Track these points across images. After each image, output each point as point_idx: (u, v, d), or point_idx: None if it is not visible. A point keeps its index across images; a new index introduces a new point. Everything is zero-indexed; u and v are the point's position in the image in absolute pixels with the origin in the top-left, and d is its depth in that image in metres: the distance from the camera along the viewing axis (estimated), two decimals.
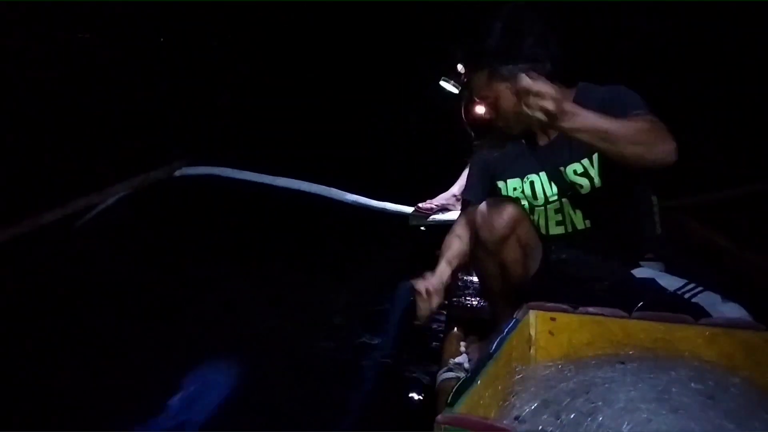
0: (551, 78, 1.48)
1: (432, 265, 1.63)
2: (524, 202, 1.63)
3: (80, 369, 1.90)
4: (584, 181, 1.54)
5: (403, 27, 4.59)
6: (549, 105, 1.21)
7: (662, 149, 1.30)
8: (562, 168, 1.56)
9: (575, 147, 1.52)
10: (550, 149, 1.59)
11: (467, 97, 1.59)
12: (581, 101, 1.48)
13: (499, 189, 1.69)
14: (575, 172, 1.55)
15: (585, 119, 1.26)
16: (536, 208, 1.63)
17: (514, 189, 1.65)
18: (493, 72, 1.51)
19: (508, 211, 1.53)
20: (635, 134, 1.29)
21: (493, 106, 1.56)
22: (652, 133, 1.31)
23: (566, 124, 1.25)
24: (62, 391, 1.78)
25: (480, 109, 1.59)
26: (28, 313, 2.28)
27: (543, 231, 1.62)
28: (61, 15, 3.91)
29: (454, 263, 1.67)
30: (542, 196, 1.61)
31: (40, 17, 3.76)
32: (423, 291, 1.55)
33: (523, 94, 1.24)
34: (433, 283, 1.56)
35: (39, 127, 3.66)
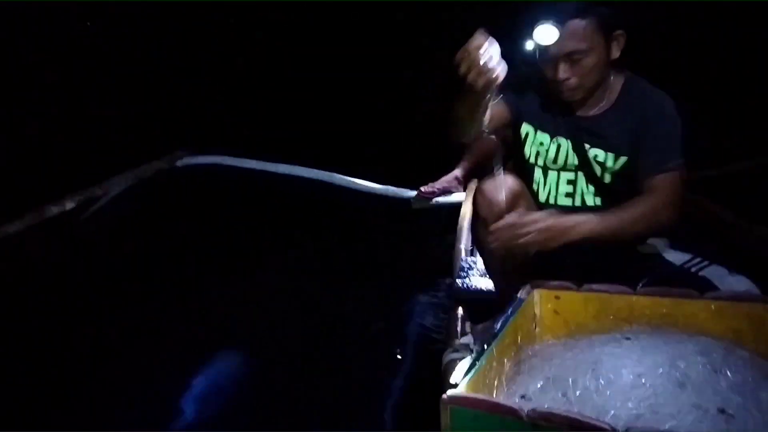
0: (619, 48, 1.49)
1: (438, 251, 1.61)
2: (541, 161, 1.62)
3: (85, 363, 1.91)
4: (599, 170, 1.54)
5: (407, 10, 4.55)
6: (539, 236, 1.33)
7: (662, 224, 1.42)
8: (587, 145, 1.55)
9: (608, 136, 1.52)
10: (585, 122, 1.56)
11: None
12: (627, 97, 1.53)
13: (526, 134, 1.64)
14: (596, 157, 1.54)
15: (583, 232, 1.36)
16: (550, 171, 1.61)
17: (541, 144, 1.61)
18: (598, 21, 1.44)
19: (509, 187, 1.51)
20: (638, 224, 1.40)
21: (578, 62, 1.46)
22: (655, 216, 1.40)
23: (567, 239, 1.35)
24: (65, 386, 1.78)
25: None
26: (33, 306, 2.29)
27: (551, 200, 1.61)
28: (64, 7, 3.89)
29: None
30: (563, 161, 1.59)
31: (44, 11, 3.74)
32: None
33: (515, 227, 1.34)
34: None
35: (42, 119, 3.65)
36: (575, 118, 1.58)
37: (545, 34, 1.41)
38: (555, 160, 1.60)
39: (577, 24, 1.43)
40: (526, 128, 1.64)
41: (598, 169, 1.55)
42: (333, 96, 4.52)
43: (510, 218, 1.37)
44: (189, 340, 2.05)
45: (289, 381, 1.84)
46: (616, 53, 1.48)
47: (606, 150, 1.53)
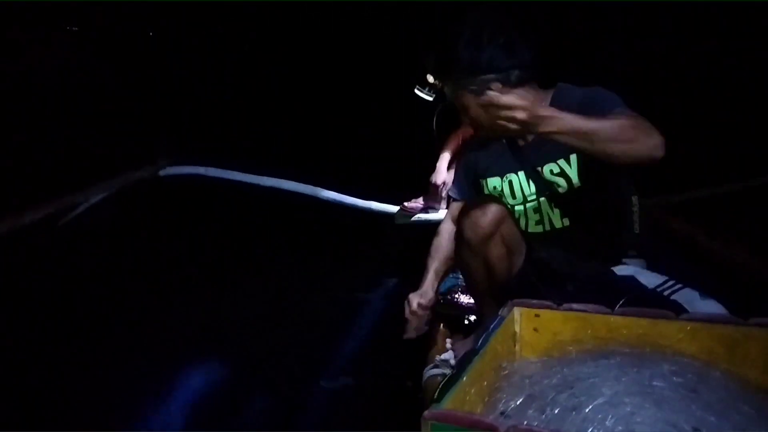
0: (523, 83, 1.49)
1: (417, 263, 1.65)
2: (503, 200, 1.65)
3: (62, 372, 1.88)
4: (561, 181, 1.55)
5: (388, 26, 4.59)
6: (520, 115, 1.22)
7: (648, 143, 1.28)
8: (539, 168, 1.58)
9: (552, 147, 1.50)
10: (528, 149, 1.61)
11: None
12: (558, 104, 1.49)
13: (481, 187, 1.71)
14: (552, 171, 1.56)
15: (563, 121, 1.26)
16: (515, 207, 1.65)
17: (494, 188, 1.67)
18: (456, 84, 1.49)
19: (492, 210, 1.53)
20: (618, 131, 1.28)
21: (466, 115, 1.54)
22: (635, 129, 1.29)
23: (544, 128, 1.25)
24: (41, 394, 1.75)
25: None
26: (8, 314, 2.24)
27: (523, 229, 1.64)
28: (43, 12, 3.85)
29: (442, 271, 1.72)
30: (520, 195, 1.63)
31: (20, 14, 3.70)
32: (416, 307, 1.62)
33: (492, 109, 1.24)
34: (425, 300, 1.64)
35: (21, 124, 3.60)
36: (518, 149, 1.62)
37: (422, 95, 1.50)
38: (513, 196, 1.64)
39: (444, 84, 1.53)
40: (481, 183, 1.71)
41: (562, 182, 1.56)
42: (319, 111, 4.54)
43: (490, 96, 1.28)
44: (169, 348, 2.03)
45: (268, 387, 1.84)
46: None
47: (556, 159, 1.54)
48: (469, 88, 1.48)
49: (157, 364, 1.91)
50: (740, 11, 3.13)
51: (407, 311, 1.68)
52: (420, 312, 1.67)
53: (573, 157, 1.53)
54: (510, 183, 1.64)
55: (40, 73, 3.82)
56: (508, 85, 1.46)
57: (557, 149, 1.52)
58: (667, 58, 3.63)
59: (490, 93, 1.27)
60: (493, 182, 1.67)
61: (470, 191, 1.73)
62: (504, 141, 1.65)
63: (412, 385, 1.63)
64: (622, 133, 1.28)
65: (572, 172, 1.54)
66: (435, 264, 1.71)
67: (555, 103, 1.53)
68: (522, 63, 1.48)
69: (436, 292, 1.74)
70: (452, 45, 1.46)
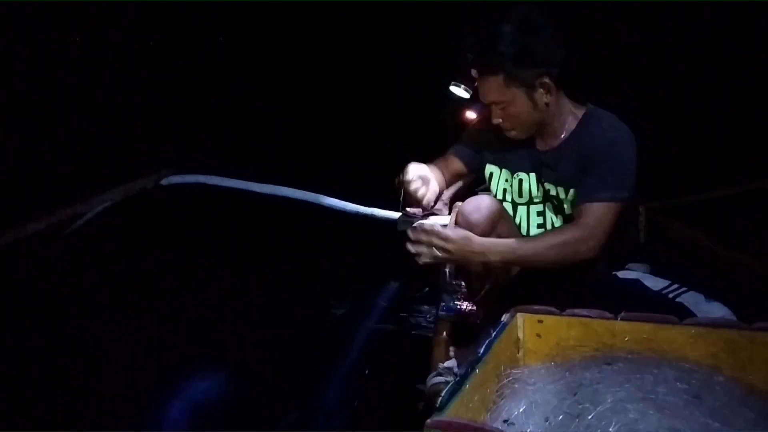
0: (560, 85, 1.51)
1: (418, 268, 1.64)
2: (509, 197, 1.65)
3: (65, 379, 1.88)
4: (568, 201, 1.57)
5: (384, 30, 4.60)
6: (452, 247, 1.40)
7: (573, 259, 1.41)
8: (544, 179, 1.60)
9: (568, 169, 1.54)
10: (547, 156, 1.60)
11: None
12: (581, 134, 1.54)
13: (490, 174, 1.71)
14: (549, 191, 1.59)
15: (493, 257, 1.42)
16: (519, 206, 1.65)
17: (505, 180, 1.67)
18: (507, 77, 1.48)
19: (489, 209, 1.54)
20: (543, 255, 1.41)
21: (504, 110, 1.54)
22: (565, 248, 1.41)
23: (475, 263, 1.44)
24: (45, 401, 1.76)
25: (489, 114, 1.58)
26: (11, 325, 2.25)
27: (524, 231, 1.64)
28: (46, 22, 3.87)
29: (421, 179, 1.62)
30: (527, 195, 1.63)
31: (16, 19, 3.70)
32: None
33: (426, 235, 1.41)
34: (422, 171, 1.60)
35: (21, 134, 3.61)
36: (535, 152, 1.63)
37: (458, 92, 1.49)
38: (520, 195, 1.65)
39: (489, 79, 1.50)
40: (489, 169, 1.71)
41: (556, 202, 1.59)
42: (320, 117, 4.55)
43: (427, 226, 1.44)
44: (172, 355, 2.03)
45: (272, 394, 1.84)
46: (543, 98, 1.51)
47: (556, 184, 1.57)
48: (519, 80, 1.47)
49: (159, 372, 1.91)
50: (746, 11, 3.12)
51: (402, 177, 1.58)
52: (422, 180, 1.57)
53: (571, 192, 1.55)
54: (520, 182, 1.64)
55: (39, 81, 3.83)
56: (554, 78, 1.48)
57: (563, 174, 1.55)
58: (672, 61, 3.63)
59: (426, 223, 1.45)
60: (505, 174, 1.67)
61: (471, 159, 1.74)
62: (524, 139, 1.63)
63: (416, 393, 1.63)
64: (556, 253, 1.41)
65: (567, 201, 1.57)
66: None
67: (579, 133, 1.55)
68: (566, 60, 1.50)
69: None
70: (501, 37, 1.45)
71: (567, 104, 1.57)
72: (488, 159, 1.72)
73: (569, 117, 1.57)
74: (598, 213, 1.43)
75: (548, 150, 1.60)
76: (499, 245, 1.42)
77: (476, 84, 1.54)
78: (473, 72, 1.51)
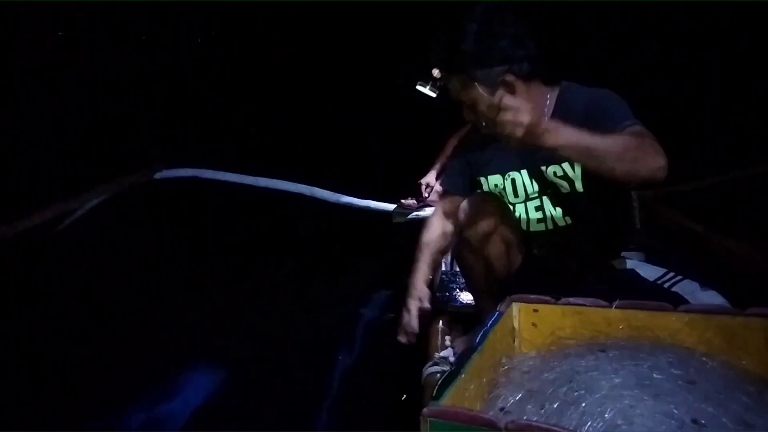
0: (530, 78, 1.48)
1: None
2: (505, 199, 1.64)
3: (61, 376, 1.88)
4: (564, 183, 1.54)
5: (385, 24, 4.59)
6: (525, 118, 1.16)
7: (651, 165, 1.23)
8: (543, 167, 1.56)
9: None
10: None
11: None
12: (564, 105, 1.50)
13: (481, 184, 1.69)
14: (555, 173, 1.54)
15: (566, 136, 1.21)
16: (516, 205, 1.64)
17: (495, 185, 1.66)
18: (468, 76, 1.46)
19: (492, 207, 1.53)
20: (621, 151, 1.23)
21: (471, 109, 1.52)
22: (639, 149, 1.24)
23: (546, 141, 1.19)
24: (41, 398, 1.75)
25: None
26: (7, 321, 2.24)
27: (524, 227, 1.64)
28: (38, 19, 3.84)
29: (433, 265, 1.69)
30: (523, 193, 1.62)
31: (10, 17, 3.68)
32: (416, 312, 1.58)
33: (497, 110, 1.19)
34: (424, 302, 1.60)
35: (14, 130, 3.59)
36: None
37: (425, 92, 1.45)
38: (515, 194, 1.63)
39: (452, 79, 1.49)
40: (480, 181, 1.69)
41: (564, 185, 1.54)
42: (314, 110, 4.53)
43: (498, 96, 1.21)
44: (167, 351, 2.03)
45: (267, 389, 1.84)
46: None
47: (560, 162, 1.52)
48: (481, 80, 1.44)
49: (154, 368, 1.91)
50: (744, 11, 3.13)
51: (406, 318, 1.61)
52: (420, 314, 1.62)
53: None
54: (513, 181, 1.62)
55: (30, 78, 3.80)
56: (520, 77, 1.45)
57: None
58: (665, 50, 3.63)
59: (499, 93, 1.23)
60: (494, 180, 1.65)
61: (465, 186, 1.72)
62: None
63: (411, 382, 1.63)
64: (625, 153, 1.23)
65: (576, 176, 1.52)
66: (426, 259, 1.68)
67: (561, 104, 1.52)
68: (532, 56, 1.46)
69: (431, 287, 1.72)
70: (463, 37, 1.43)
71: (543, 92, 1.54)
72: (476, 173, 1.70)
73: (546, 101, 1.54)
74: (641, 131, 1.31)
75: None
76: (567, 128, 1.24)
77: (440, 84, 1.51)
78: (435, 72, 1.48)
